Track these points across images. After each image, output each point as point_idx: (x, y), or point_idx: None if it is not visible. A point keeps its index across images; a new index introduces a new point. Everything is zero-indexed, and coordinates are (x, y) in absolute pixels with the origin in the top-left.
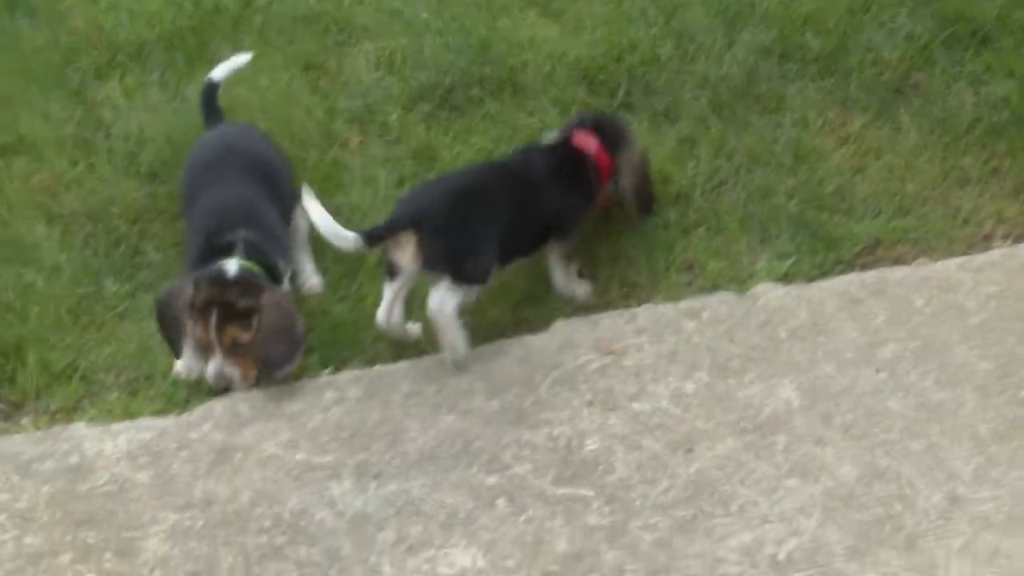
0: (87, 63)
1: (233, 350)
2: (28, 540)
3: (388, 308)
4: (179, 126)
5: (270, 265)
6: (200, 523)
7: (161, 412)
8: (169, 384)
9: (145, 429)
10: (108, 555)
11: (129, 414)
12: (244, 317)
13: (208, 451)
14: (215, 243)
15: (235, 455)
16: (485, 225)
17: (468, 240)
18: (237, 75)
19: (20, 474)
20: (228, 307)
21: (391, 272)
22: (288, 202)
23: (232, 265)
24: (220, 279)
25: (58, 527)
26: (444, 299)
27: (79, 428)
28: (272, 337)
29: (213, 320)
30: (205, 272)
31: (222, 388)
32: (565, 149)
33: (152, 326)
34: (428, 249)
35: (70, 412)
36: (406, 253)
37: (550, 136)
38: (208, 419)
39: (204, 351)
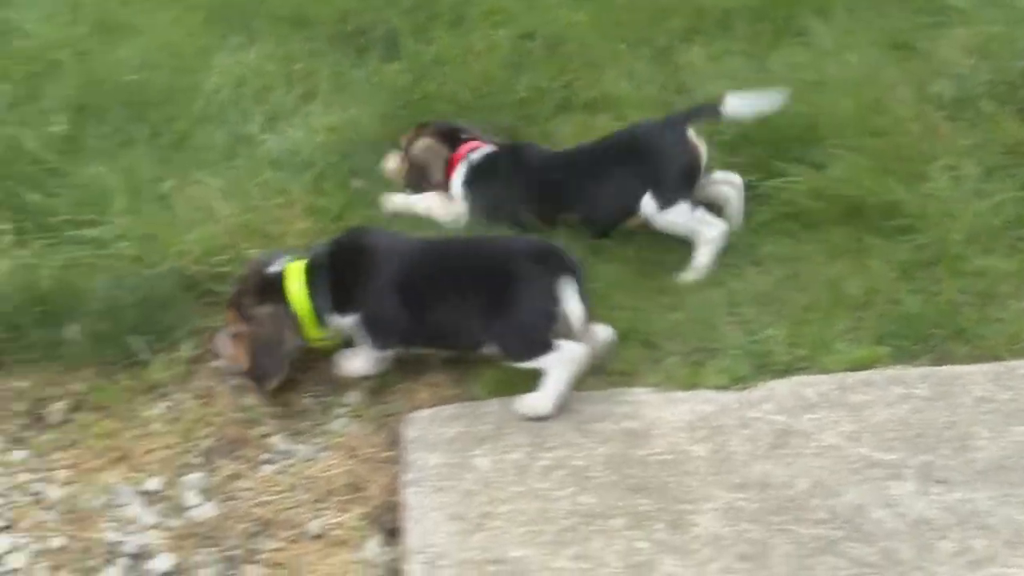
0: (675, 25)
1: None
2: (583, 499)
3: None
4: None
5: None
6: (755, 505)
7: (723, 387)
8: (732, 360)
9: (706, 401)
10: (660, 525)
11: (691, 385)
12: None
13: (768, 432)
14: None
15: (794, 440)
16: None
17: None
18: (825, 50)
19: (579, 431)
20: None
21: None
22: None
23: None
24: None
25: (612, 490)
26: None
27: (639, 393)
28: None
29: None
30: None
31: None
32: None
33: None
34: None
35: (630, 375)
36: None
37: None
38: (770, 399)
39: None
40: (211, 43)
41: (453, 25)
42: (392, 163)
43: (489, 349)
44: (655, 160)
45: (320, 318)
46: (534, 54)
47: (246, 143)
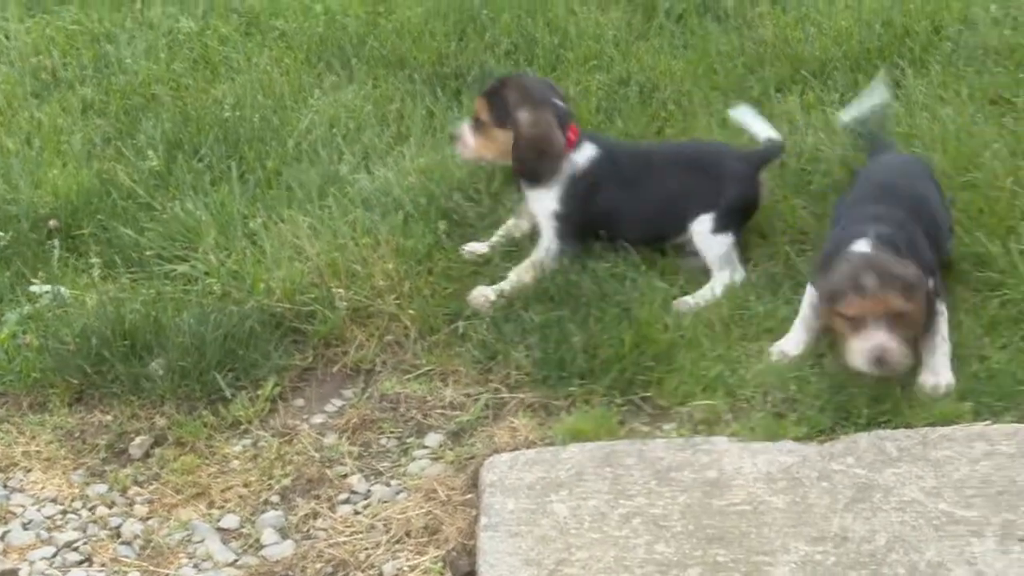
0: (770, 74)
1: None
2: (659, 548)
3: None
4: (854, 148)
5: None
6: (831, 559)
7: (804, 439)
8: (814, 411)
9: (787, 452)
10: None
11: (771, 435)
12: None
13: (848, 485)
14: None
15: (875, 494)
16: None
17: None
18: (918, 103)
19: (658, 480)
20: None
21: None
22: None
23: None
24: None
25: (689, 539)
26: None
27: (720, 442)
28: None
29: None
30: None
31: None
32: None
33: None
34: None
35: (712, 424)
36: None
37: None
38: (851, 452)
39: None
40: (307, 82)
41: (549, 69)
42: (470, 140)
43: None
44: (724, 183)
45: None
46: (628, 100)
47: (337, 182)
